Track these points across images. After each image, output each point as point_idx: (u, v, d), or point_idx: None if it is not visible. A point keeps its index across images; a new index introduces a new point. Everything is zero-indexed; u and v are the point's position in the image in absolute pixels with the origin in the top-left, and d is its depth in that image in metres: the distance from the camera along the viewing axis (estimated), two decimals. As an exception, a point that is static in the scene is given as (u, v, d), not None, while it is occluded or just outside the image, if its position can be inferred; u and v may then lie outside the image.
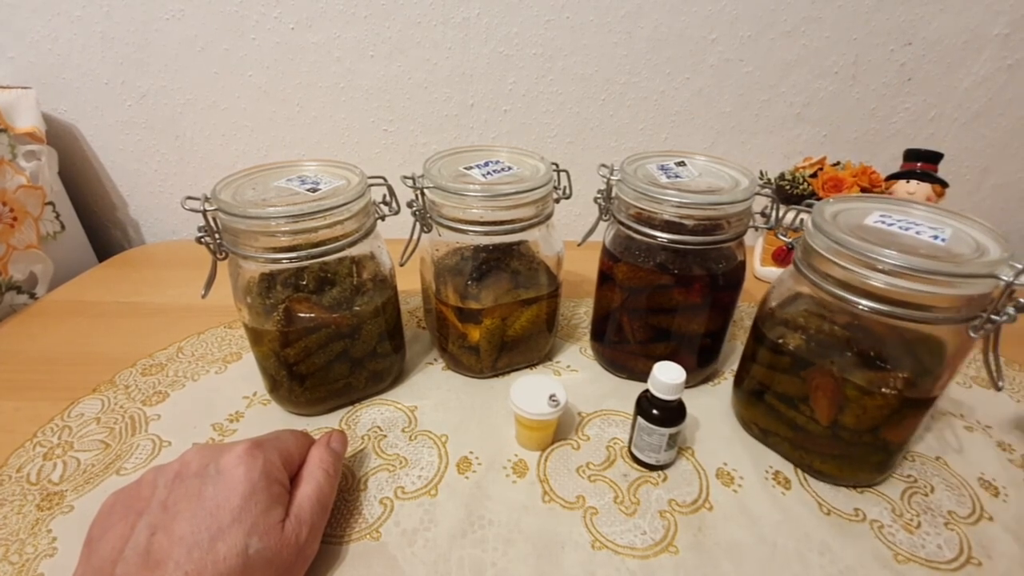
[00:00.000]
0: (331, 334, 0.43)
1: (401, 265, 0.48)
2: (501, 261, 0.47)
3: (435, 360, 0.54)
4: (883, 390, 0.36)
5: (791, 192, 0.65)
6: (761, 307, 0.43)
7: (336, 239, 0.40)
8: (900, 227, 0.36)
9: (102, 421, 0.46)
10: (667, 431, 0.39)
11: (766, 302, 0.43)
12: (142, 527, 0.29)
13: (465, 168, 0.46)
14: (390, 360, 0.48)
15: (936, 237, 0.35)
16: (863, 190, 0.63)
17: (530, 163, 0.48)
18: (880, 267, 0.32)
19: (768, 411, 0.43)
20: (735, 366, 0.54)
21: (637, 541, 0.37)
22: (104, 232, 0.85)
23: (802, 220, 0.42)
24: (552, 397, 0.41)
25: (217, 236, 0.40)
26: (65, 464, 0.42)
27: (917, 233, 0.35)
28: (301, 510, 0.32)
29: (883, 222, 0.37)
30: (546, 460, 0.43)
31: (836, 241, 0.34)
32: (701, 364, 0.49)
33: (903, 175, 0.63)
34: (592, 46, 0.69)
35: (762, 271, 0.71)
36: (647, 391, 0.40)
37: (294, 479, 0.34)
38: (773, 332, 0.41)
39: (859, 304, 0.34)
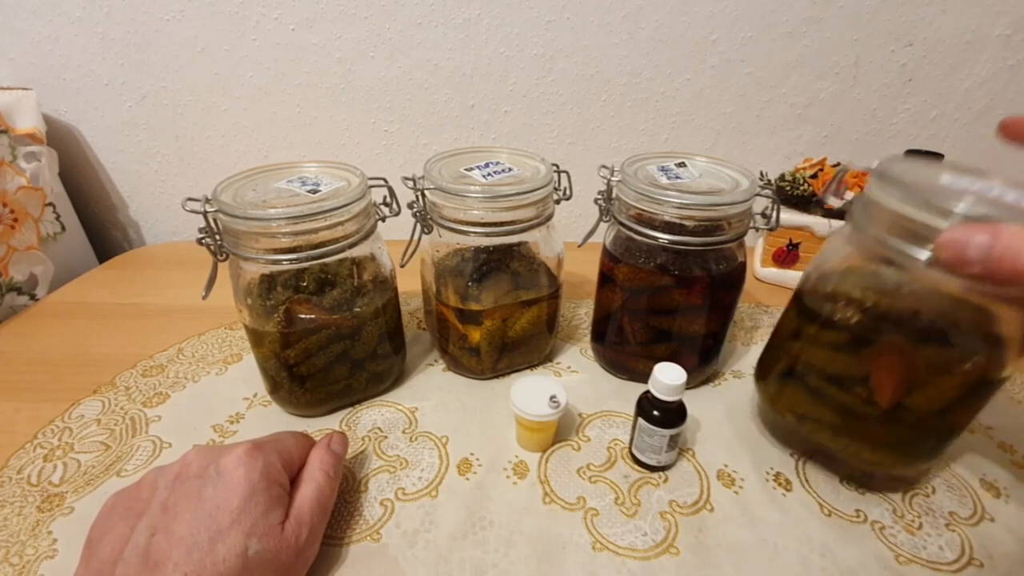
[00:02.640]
0: (331, 335, 0.43)
1: (402, 266, 0.48)
2: (502, 262, 0.47)
3: (436, 361, 0.54)
4: (962, 368, 0.33)
5: (791, 193, 0.65)
6: (805, 281, 0.40)
7: (337, 240, 0.40)
8: (980, 188, 0.32)
9: (102, 422, 0.46)
10: (668, 432, 0.39)
11: (810, 276, 0.40)
12: (142, 528, 0.29)
13: (466, 169, 0.46)
14: (391, 361, 0.48)
15: (1020, 199, 0.31)
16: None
17: (531, 164, 0.48)
18: (952, 217, 0.28)
19: (809, 395, 0.39)
20: (736, 367, 0.54)
21: (638, 542, 0.36)
22: (104, 233, 0.85)
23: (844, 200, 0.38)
24: (553, 398, 0.41)
25: (218, 237, 0.40)
26: (66, 465, 0.42)
27: (1000, 194, 0.31)
28: (301, 512, 0.32)
29: (958, 183, 0.33)
30: (547, 461, 0.43)
31: (910, 189, 0.30)
32: (702, 365, 0.49)
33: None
34: (593, 47, 0.69)
35: (763, 272, 0.70)
36: (648, 392, 0.40)
37: (294, 481, 0.34)
38: (822, 307, 0.38)
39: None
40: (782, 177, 0.67)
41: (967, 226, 0.26)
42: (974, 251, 0.25)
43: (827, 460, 0.43)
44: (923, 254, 0.30)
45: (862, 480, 0.41)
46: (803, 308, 0.39)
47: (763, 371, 0.44)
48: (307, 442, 0.37)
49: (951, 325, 0.34)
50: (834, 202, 0.39)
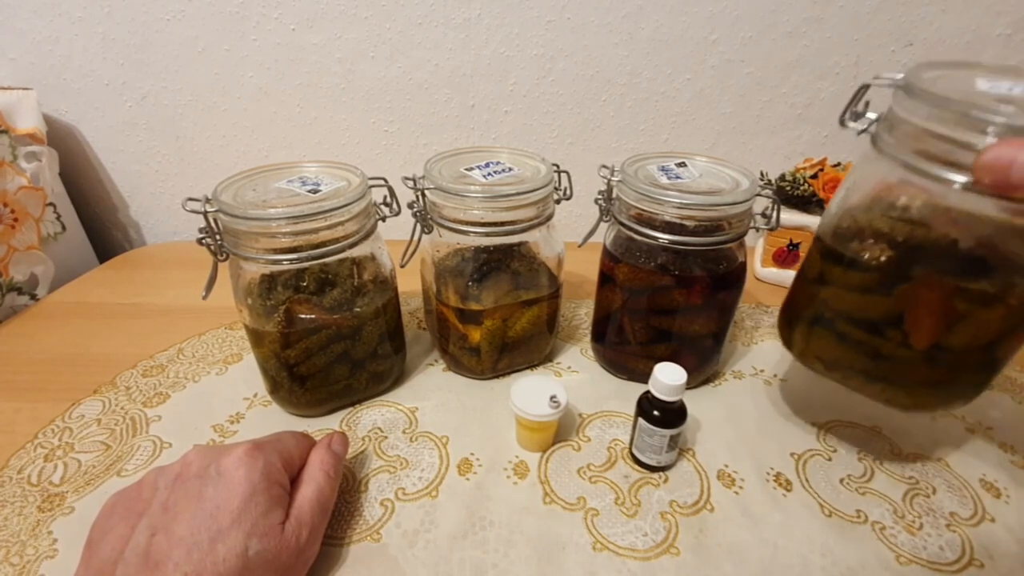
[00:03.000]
0: (332, 335, 0.43)
1: (402, 266, 0.48)
2: (502, 262, 0.47)
3: (436, 361, 0.54)
4: (1007, 299, 0.30)
5: (792, 193, 0.65)
6: (827, 219, 0.37)
7: (337, 240, 0.40)
8: (1023, 91, 0.29)
9: (103, 422, 0.46)
10: (668, 432, 0.39)
11: (833, 213, 0.37)
12: (142, 528, 0.29)
13: (466, 169, 0.46)
14: (391, 361, 0.48)
15: None
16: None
17: (531, 164, 0.48)
18: (992, 132, 0.25)
19: (838, 341, 0.36)
20: (736, 367, 0.54)
21: (638, 542, 0.36)
22: (105, 233, 0.85)
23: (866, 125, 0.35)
24: (553, 398, 0.41)
25: (218, 237, 0.40)
26: (66, 465, 0.42)
27: None
28: (301, 512, 0.32)
29: (997, 88, 0.30)
30: (547, 461, 0.43)
31: (940, 101, 0.27)
32: (702, 365, 0.49)
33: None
34: (593, 47, 0.69)
35: (763, 272, 0.70)
36: (648, 392, 0.40)
37: (294, 481, 0.34)
38: (848, 246, 0.35)
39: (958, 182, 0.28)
40: (782, 177, 0.67)
41: (1011, 142, 0.23)
42: (1021, 173, 0.22)
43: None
44: (960, 177, 0.27)
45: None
46: (826, 249, 0.36)
47: (787, 320, 0.41)
48: (307, 442, 0.37)
49: (993, 253, 0.31)
50: (854, 126, 0.36)
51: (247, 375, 0.51)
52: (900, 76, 0.31)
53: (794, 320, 0.40)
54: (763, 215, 0.45)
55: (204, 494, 0.30)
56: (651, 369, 0.40)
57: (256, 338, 0.43)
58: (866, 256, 0.34)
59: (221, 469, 0.31)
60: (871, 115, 0.34)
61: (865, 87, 0.34)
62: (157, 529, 0.28)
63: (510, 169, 0.46)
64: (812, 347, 0.39)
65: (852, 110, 0.36)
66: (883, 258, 0.33)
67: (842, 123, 0.36)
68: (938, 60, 0.33)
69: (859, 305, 0.35)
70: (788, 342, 0.41)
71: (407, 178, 0.44)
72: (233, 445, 0.33)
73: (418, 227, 0.47)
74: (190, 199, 0.38)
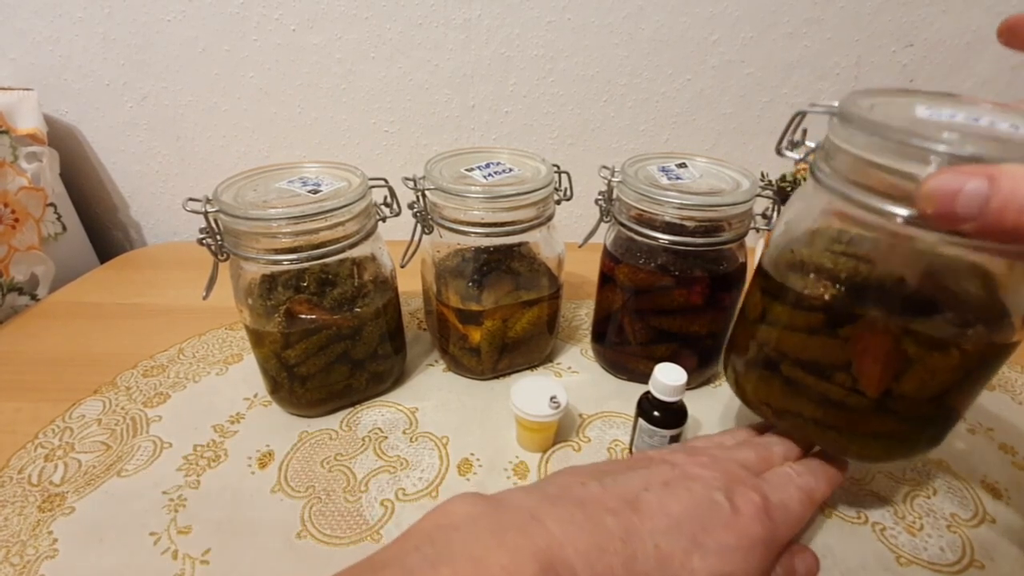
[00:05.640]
0: (332, 335, 0.43)
1: (402, 267, 0.48)
2: (502, 263, 0.47)
3: (436, 361, 0.54)
4: (959, 342, 0.28)
5: (792, 193, 0.65)
6: (767, 252, 0.35)
7: (337, 240, 0.40)
8: (965, 118, 0.26)
9: (103, 422, 0.46)
10: (668, 433, 0.39)
11: (774, 245, 0.34)
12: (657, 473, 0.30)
13: (466, 169, 0.46)
14: (391, 361, 0.48)
15: (1017, 127, 0.25)
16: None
17: (531, 165, 0.48)
18: (935, 161, 0.23)
19: (785, 386, 0.34)
20: (736, 368, 0.53)
21: (638, 543, 0.36)
22: (105, 233, 0.85)
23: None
24: (553, 399, 0.41)
25: (218, 237, 0.40)
26: (66, 465, 0.42)
27: (991, 124, 0.26)
28: None
29: (938, 115, 0.27)
30: (547, 462, 0.43)
31: (878, 129, 0.25)
32: (702, 365, 0.49)
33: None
34: (593, 47, 0.69)
35: (763, 272, 0.70)
36: (648, 393, 0.40)
37: None
38: (790, 282, 0.32)
39: (901, 216, 0.25)
40: (783, 178, 0.67)
41: (955, 170, 0.20)
42: (966, 203, 0.19)
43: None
44: (902, 210, 0.25)
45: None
46: (768, 285, 0.34)
47: (730, 361, 0.39)
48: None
49: (943, 292, 0.29)
50: (791, 155, 0.33)
51: (247, 375, 0.51)
52: (836, 104, 0.28)
53: (739, 363, 0.37)
54: (763, 216, 0.45)
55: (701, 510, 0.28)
56: (651, 369, 0.40)
57: (256, 338, 0.43)
58: (807, 293, 0.31)
59: (735, 505, 0.29)
60: (810, 143, 0.32)
61: (801, 114, 0.32)
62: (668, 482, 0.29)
63: (510, 170, 0.46)
64: (759, 392, 0.36)
65: (789, 139, 0.33)
66: (827, 296, 0.30)
67: (779, 152, 0.33)
68: (876, 88, 0.30)
69: (804, 347, 0.32)
70: (735, 385, 0.38)
71: (407, 178, 0.44)
72: (764, 497, 0.30)
73: (418, 227, 0.47)
74: (191, 199, 0.38)
